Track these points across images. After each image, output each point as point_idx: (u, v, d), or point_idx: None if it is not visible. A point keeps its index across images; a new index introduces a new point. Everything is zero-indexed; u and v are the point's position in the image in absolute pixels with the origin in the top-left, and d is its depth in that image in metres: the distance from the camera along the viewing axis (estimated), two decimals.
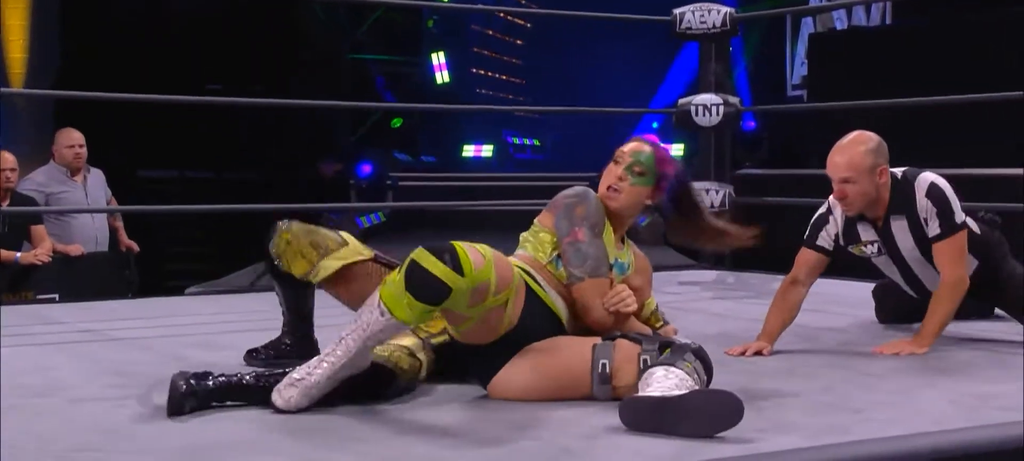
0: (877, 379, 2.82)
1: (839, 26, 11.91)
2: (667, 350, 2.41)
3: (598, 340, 2.50)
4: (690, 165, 3.56)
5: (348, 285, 2.76)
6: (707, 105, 5.50)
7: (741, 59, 12.98)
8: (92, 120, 6.61)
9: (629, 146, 2.80)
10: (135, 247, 6.22)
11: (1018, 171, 4.85)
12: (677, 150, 14.96)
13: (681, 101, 5.59)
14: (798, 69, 12.66)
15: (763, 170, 9.06)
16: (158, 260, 10.46)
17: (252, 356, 3.00)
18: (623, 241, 2.79)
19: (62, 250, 5.62)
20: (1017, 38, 7.28)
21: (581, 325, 2.64)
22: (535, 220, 2.74)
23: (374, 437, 2.21)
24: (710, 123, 5.49)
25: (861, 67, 8.42)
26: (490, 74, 17.81)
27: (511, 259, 2.62)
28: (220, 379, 2.40)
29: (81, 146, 5.86)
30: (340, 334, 2.36)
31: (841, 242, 3.41)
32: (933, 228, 3.23)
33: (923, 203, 3.24)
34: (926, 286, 3.40)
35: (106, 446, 2.17)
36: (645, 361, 2.40)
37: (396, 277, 2.30)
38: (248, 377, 2.42)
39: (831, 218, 3.41)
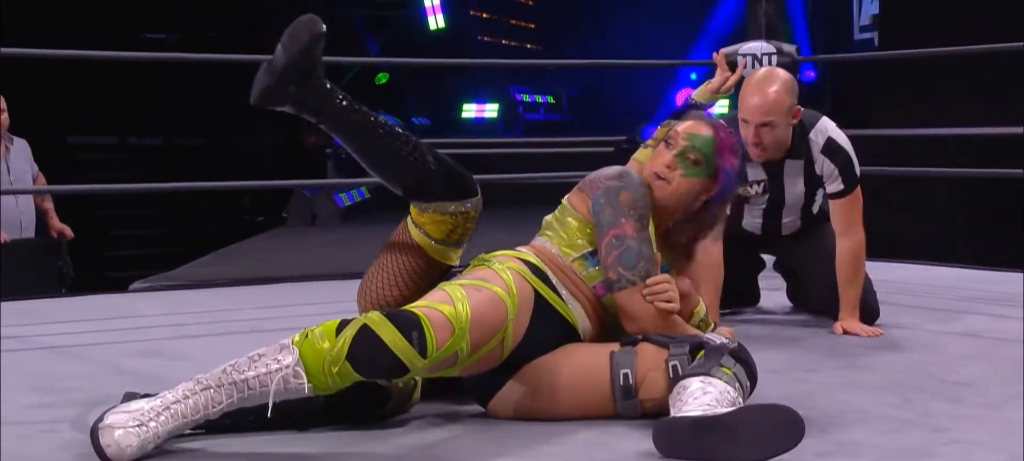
0: (964, 388, 2.81)
1: None
2: (700, 353, 2.38)
3: (615, 346, 2.49)
4: (735, 127, 3.65)
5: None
6: (757, 54, 5.46)
7: None
8: (10, 78, 6.61)
9: (685, 126, 2.69)
10: (68, 232, 6.22)
11: None
12: (721, 109, 14.97)
13: (725, 50, 5.56)
14: (867, 7, 12.59)
15: None
16: (97, 247, 10.50)
17: None
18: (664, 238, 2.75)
19: None
20: None
21: (600, 334, 2.62)
22: (564, 200, 2.69)
23: None
24: None
25: (945, 2, 8.37)
26: (494, 17, 17.77)
27: (523, 251, 2.60)
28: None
29: (1, 110, 5.85)
30: (206, 377, 2.24)
31: None
32: (834, 184, 3.64)
33: (820, 157, 3.66)
34: (781, 230, 3.87)
35: None
36: (675, 368, 2.38)
37: (330, 339, 2.23)
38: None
39: None
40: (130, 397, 2.32)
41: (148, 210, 11.73)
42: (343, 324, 2.25)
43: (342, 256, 8.06)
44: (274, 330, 3.88)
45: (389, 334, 2.22)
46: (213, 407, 2.22)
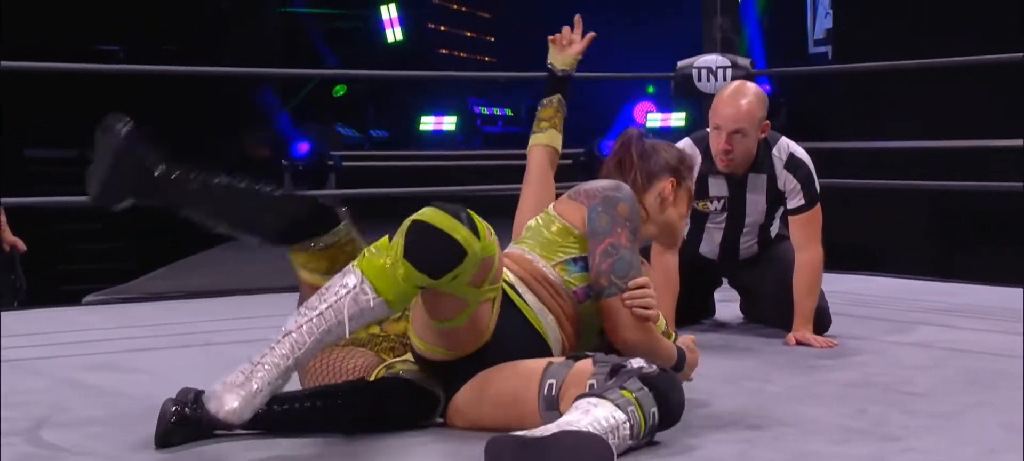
0: (917, 398, 2.83)
1: None
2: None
3: (557, 359, 2.47)
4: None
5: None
6: (712, 68, 5.51)
7: (752, 11, 13.00)
8: None
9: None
10: (21, 245, 6.16)
11: None
12: (677, 120, 15.05)
13: (681, 64, 5.60)
14: (821, 21, 12.70)
15: None
16: (51, 260, 10.40)
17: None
18: None
19: None
20: None
21: (578, 346, 2.62)
22: (549, 208, 2.73)
23: None
24: (715, 89, 5.50)
25: (896, 17, 8.45)
26: (452, 30, 17.78)
27: None
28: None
29: None
30: (285, 326, 2.30)
31: None
32: (795, 199, 3.71)
33: (782, 172, 3.71)
34: (739, 254, 3.91)
35: None
36: (592, 386, 2.34)
37: (384, 248, 2.28)
38: None
39: None
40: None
41: (104, 223, 11.62)
42: (392, 234, 2.29)
43: None
44: (229, 342, 3.86)
45: (442, 220, 2.25)
46: (298, 349, 2.26)
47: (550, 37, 3.22)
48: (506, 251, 2.67)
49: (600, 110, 15.21)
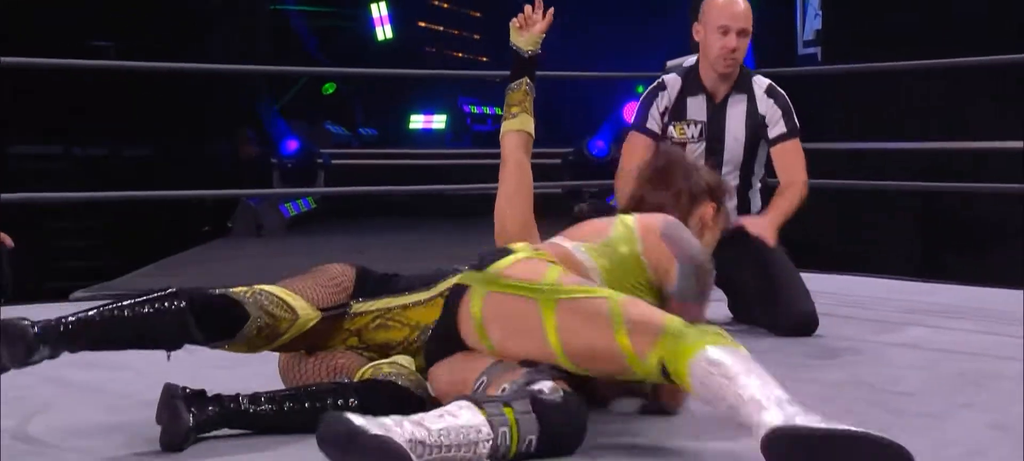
0: (904, 398, 2.84)
1: None
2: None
3: (502, 362, 2.41)
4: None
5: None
6: None
7: None
8: None
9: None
10: (8, 241, 6.15)
11: None
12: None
13: (670, 63, 5.60)
14: (811, 22, 12.70)
15: None
16: (38, 256, 10.37)
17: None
18: None
19: None
20: None
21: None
22: (632, 223, 2.60)
23: None
24: None
25: (886, 19, 8.46)
26: (442, 28, 17.78)
27: (548, 256, 2.54)
28: (214, 406, 2.41)
29: None
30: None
31: (666, 118, 3.86)
32: (777, 127, 3.79)
33: (764, 98, 3.80)
34: None
35: None
36: (504, 389, 2.31)
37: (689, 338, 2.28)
38: (245, 402, 2.44)
39: (663, 93, 3.90)
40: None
41: (91, 220, 11.59)
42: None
43: (285, 266, 8.00)
44: None
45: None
46: None
47: (512, 21, 3.15)
48: (572, 252, 2.56)
49: (589, 110, 15.23)
